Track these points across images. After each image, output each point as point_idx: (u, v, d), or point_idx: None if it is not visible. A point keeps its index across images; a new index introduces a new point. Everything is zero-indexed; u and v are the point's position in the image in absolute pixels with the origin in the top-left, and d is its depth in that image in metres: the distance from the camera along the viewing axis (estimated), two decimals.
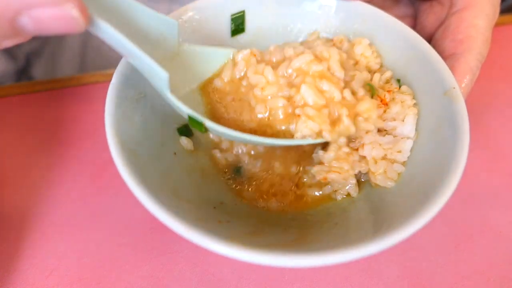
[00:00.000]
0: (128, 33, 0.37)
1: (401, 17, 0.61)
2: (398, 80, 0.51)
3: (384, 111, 0.48)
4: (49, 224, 0.54)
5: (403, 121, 0.47)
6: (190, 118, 0.44)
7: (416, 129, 0.47)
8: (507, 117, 0.66)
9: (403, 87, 0.50)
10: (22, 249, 0.52)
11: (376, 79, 0.50)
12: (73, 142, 0.62)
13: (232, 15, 0.55)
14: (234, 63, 0.50)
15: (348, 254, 0.34)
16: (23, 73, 0.90)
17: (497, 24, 0.55)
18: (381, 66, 0.53)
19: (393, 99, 0.48)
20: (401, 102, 0.48)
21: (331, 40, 0.55)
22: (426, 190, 0.40)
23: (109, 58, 0.90)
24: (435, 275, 0.51)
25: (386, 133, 0.48)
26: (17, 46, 0.89)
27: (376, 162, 0.47)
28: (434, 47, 0.51)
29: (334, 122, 0.45)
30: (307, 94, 0.45)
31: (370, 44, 0.53)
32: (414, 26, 0.60)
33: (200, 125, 0.44)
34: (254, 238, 0.43)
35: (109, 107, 0.43)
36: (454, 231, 0.54)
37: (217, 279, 0.50)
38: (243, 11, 0.55)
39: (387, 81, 0.51)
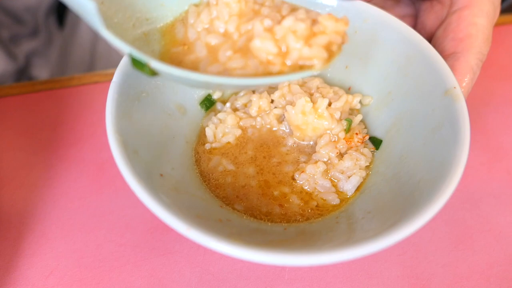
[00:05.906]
0: None
1: (401, 17, 0.61)
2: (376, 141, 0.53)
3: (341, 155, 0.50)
4: (49, 224, 0.54)
5: (349, 177, 0.49)
6: (133, 59, 0.37)
7: (358, 189, 0.49)
8: (507, 116, 0.66)
9: (365, 151, 0.51)
10: (22, 249, 0.52)
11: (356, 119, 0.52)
12: (73, 142, 0.62)
13: None
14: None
15: (351, 252, 0.34)
16: (23, 73, 0.90)
17: (497, 24, 0.55)
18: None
19: (350, 149, 0.50)
20: (356, 160, 0.50)
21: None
22: (426, 190, 0.40)
23: (109, 58, 0.91)
24: (435, 275, 0.51)
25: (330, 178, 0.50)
26: (17, 46, 0.90)
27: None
28: (435, 46, 0.51)
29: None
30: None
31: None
32: (414, 26, 0.60)
33: (142, 66, 0.37)
34: (255, 236, 0.43)
35: (110, 106, 0.43)
36: (454, 231, 0.54)
37: (217, 279, 0.50)
38: None
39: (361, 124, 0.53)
